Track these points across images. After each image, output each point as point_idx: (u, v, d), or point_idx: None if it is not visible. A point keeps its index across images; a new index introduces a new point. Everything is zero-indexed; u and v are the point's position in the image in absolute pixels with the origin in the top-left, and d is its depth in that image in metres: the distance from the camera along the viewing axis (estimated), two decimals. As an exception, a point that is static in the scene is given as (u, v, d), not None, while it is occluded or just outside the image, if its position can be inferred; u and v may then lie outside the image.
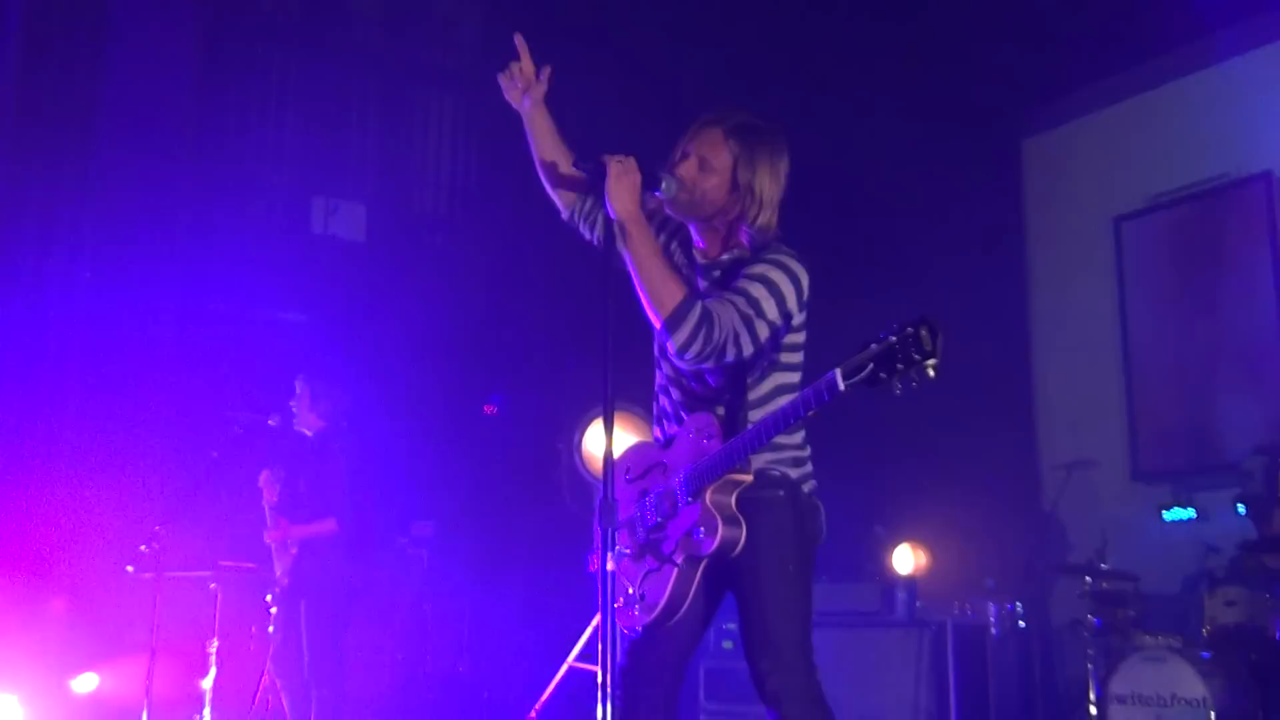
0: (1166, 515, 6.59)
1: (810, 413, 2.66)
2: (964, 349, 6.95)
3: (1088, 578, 5.87)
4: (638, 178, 2.90)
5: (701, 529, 2.87)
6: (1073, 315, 7.47)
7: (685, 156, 3.05)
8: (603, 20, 6.70)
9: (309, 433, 6.00)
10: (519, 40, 3.23)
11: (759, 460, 2.93)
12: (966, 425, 6.84)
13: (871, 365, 2.46)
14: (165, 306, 6.40)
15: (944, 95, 7.01)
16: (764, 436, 2.76)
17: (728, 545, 2.85)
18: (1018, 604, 6.30)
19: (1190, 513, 6.53)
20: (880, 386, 2.45)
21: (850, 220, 6.89)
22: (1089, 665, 5.71)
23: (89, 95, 6.36)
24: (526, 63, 3.23)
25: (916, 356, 2.40)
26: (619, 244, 2.90)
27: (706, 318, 2.84)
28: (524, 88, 3.23)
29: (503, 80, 3.25)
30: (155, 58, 6.48)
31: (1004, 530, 6.96)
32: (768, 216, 3.01)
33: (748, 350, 2.89)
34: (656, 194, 2.99)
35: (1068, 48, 6.74)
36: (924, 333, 2.39)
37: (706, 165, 3.02)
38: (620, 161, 2.90)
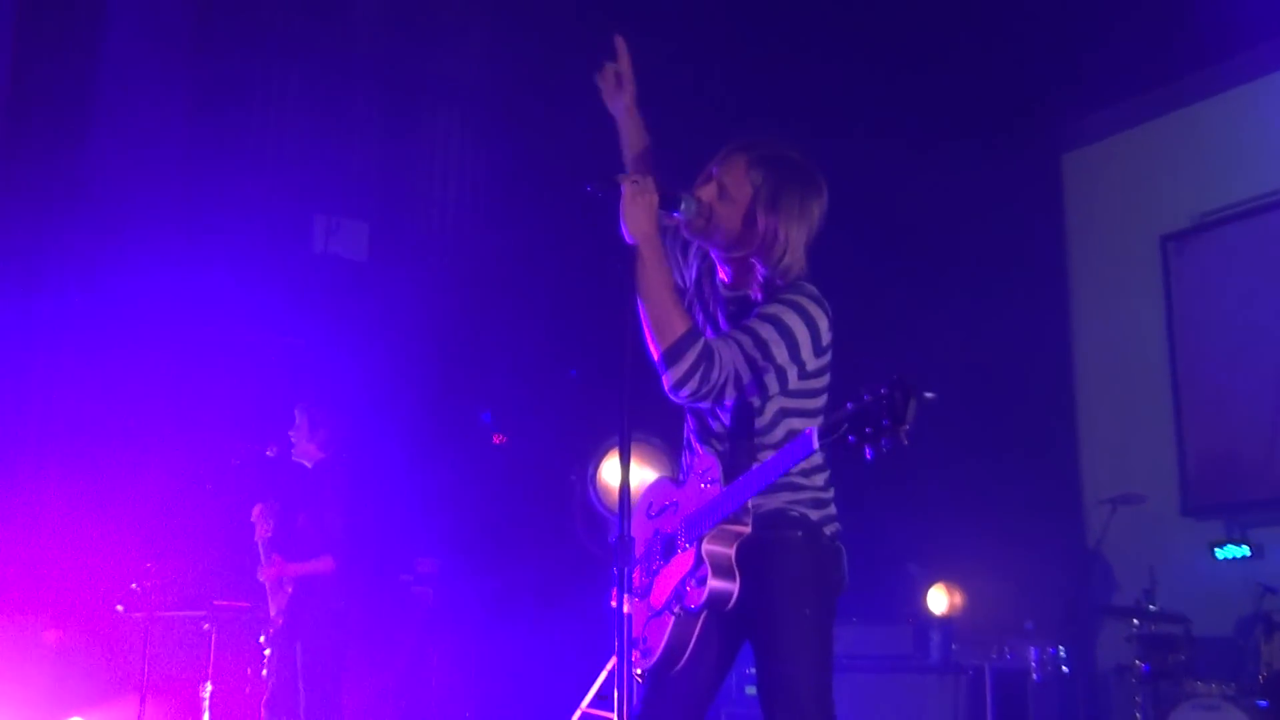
0: (1219, 553, 6.56)
1: (789, 470, 2.70)
2: (1002, 375, 7.08)
3: (1135, 620, 5.84)
4: (654, 198, 2.89)
5: (693, 579, 2.85)
6: (1118, 340, 7.47)
7: (708, 179, 3.05)
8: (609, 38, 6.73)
9: (308, 464, 6.01)
10: (619, 41, 3.27)
11: (776, 500, 2.92)
12: (1005, 457, 6.84)
13: (845, 427, 2.46)
14: (157, 330, 6.41)
15: (978, 108, 7.04)
16: (755, 486, 2.76)
17: (717, 600, 2.82)
18: (1060, 648, 6.26)
19: (1244, 550, 6.50)
20: (851, 450, 2.44)
21: (883, 242, 6.91)
22: (1136, 714, 5.68)
23: (79, 111, 6.41)
24: (624, 63, 3.27)
25: (886, 423, 2.36)
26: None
27: (706, 355, 2.84)
28: (619, 89, 3.29)
29: (599, 81, 3.31)
30: (148, 71, 6.53)
31: (1045, 569, 6.96)
32: (790, 259, 2.96)
33: (749, 391, 2.89)
34: (675, 215, 2.97)
35: (1108, 58, 6.76)
36: (897, 396, 2.35)
37: (725, 193, 3.00)
38: (636, 181, 2.89)
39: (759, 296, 3.00)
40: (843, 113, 6.69)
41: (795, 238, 2.97)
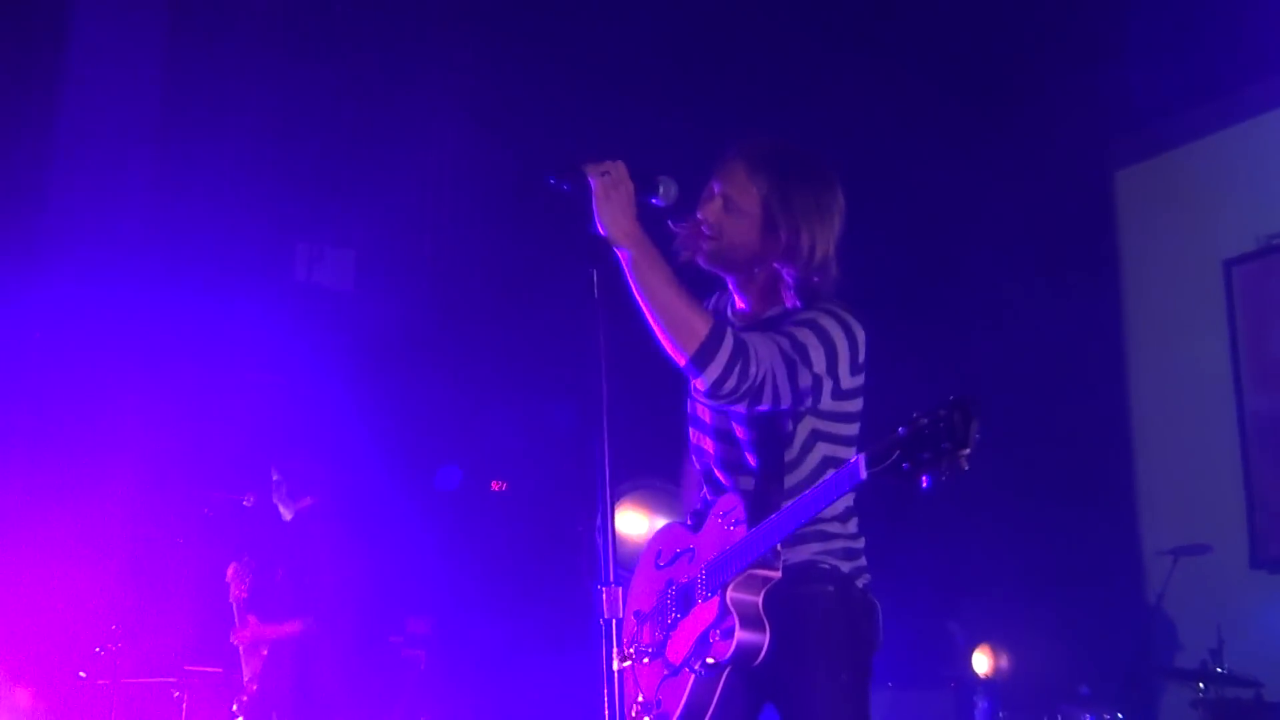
0: (1293, 610, 6.51)
1: (831, 503, 2.62)
2: (1051, 413, 7.07)
3: (1201, 684, 5.80)
4: (630, 187, 2.78)
5: (717, 631, 2.82)
6: (1178, 374, 7.44)
7: (711, 196, 3.01)
8: (620, 59, 6.87)
9: (287, 516, 6.05)
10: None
11: (806, 551, 2.91)
12: (1055, 503, 6.82)
13: (897, 453, 2.41)
14: (124, 365, 6.45)
15: (1023, 121, 7.06)
16: (788, 525, 2.71)
17: (745, 653, 2.79)
18: (1118, 715, 6.20)
19: (1321, 606, 6.45)
20: (906, 479, 2.40)
21: (919, 270, 6.95)
22: (1204, 788, 5.63)
23: (41, 130, 6.46)
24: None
25: (946, 445, 2.32)
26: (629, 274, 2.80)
27: (741, 349, 2.77)
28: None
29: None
30: (116, 86, 6.59)
31: (1101, 627, 6.93)
32: (822, 256, 2.93)
33: (785, 398, 2.83)
34: (654, 201, 2.86)
35: (1165, 67, 6.76)
36: (957, 417, 2.32)
37: (732, 206, 2.97)
38: (607, 171, 2.77)
39: (795, 304, 2.96)
40: (881, 127, 6.76)
41: (821, 236, 2.93)
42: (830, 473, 2.79)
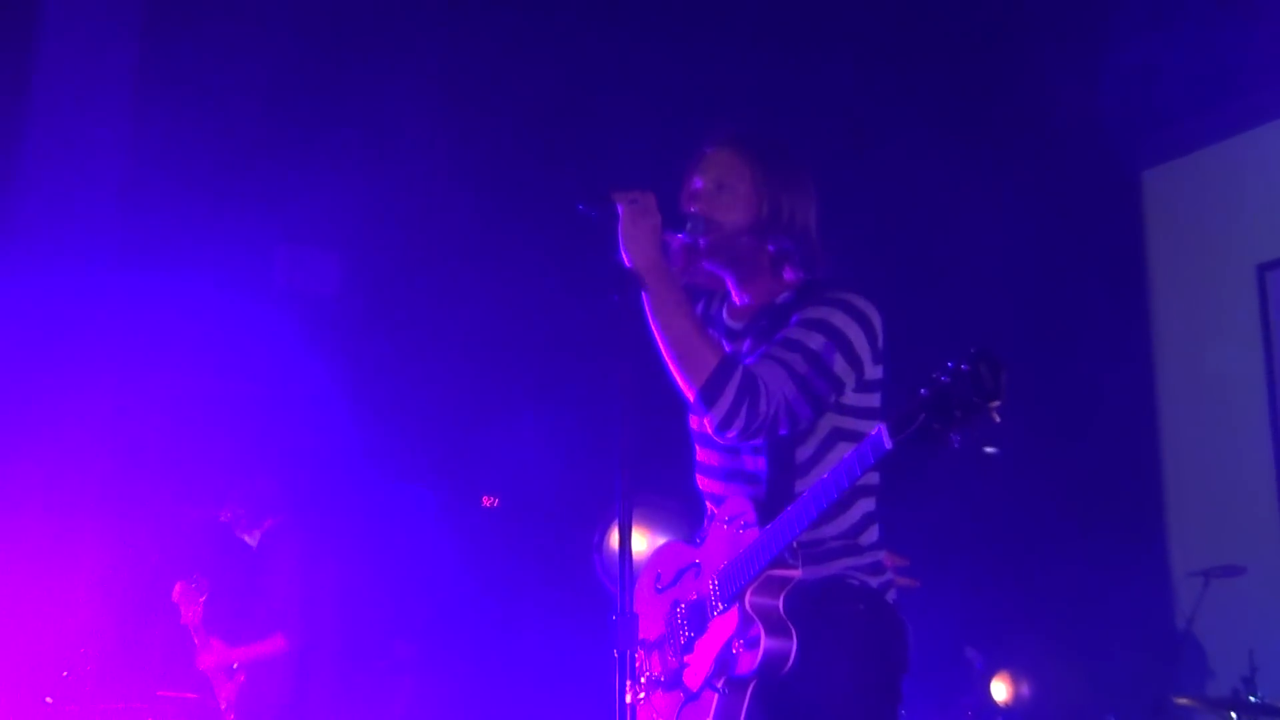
0: (1332, 634, 6.48)
1: (854, 482, 2.66)
2: (1073, 426, 7.06)
3: (1233, 713, 5.79)
4: (657, 219, 2.94)
5: (740, 641, 2.83)
6: (1209, 384, 7.44)
7: (695, 190, 3.13)
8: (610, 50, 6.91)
9: (251, 542, 6.06)
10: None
11: (835, 566, 2.94)
12: (1078, 522, 6.82)
13: (923, 415, 2.46)
14: (90, 376, 6.41)
15: (1042, 118, 7.05)
16: (809, 512, 2.73)
17: (774, 660, 2.80)
18: (1146, 746, 6.20)
19: (1362, 631, 6.42)
20: (935, 440, 2.45)
21: (943, 270, 6.94)
22: (1237, 824, 5.61)
23: (9, 128, 6.45)
24: None
25: (976, 399, 2.37)
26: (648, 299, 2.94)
27: (749, 386, 2.85)
28: None
29: None
30: (86, 70, 6.57)
31: (1127, 653, 6.93)
32: (808, 246, 3.08)
33: (803, 418, 2.91)
34: (680, 236, 3.04)
35: (1194, 61, 6.77)
36: (982, 368, 2.38)
37: (725, 188, 3.10)
38: (635, 199, 2.94)
39: (789, 297, 3.08)
40: (899, 125, 6.81)
41: (804, 212, 3.10)
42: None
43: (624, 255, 2.92)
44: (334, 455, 6.79)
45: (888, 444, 2.55)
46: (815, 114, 6.88)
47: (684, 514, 5.82)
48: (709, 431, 2.93)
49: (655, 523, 5.65)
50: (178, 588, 5.94)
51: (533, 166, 7.23)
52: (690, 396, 2.92)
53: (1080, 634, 6.67)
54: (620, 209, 2.93)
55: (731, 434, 2.87)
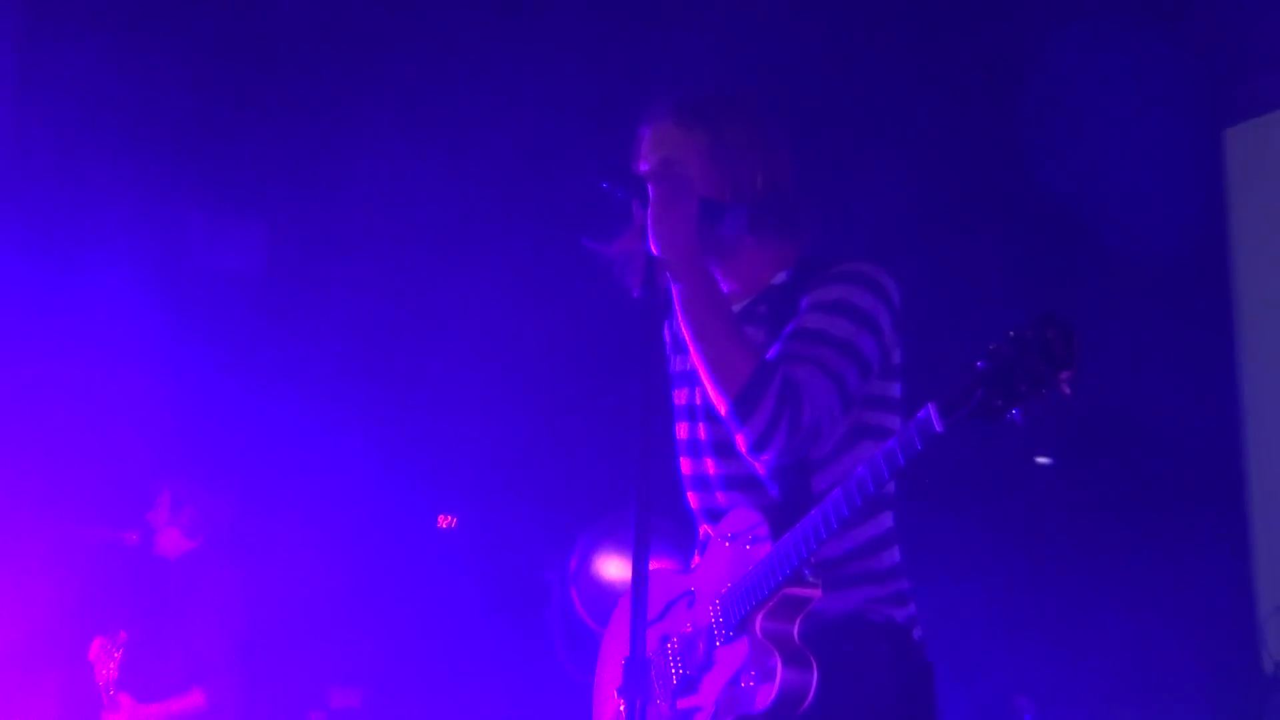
0: None
1: (896, 472, 2.66)
2: (1144, 432, 6.98)
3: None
4: (694, 203, 2.97)
5: (752, 673, 2.84)
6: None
7: (644, 175, 3.17)
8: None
9: (171, 558, 6.03)
10: None
11: (853, 598, 2.97)
12: (1147, 550, 6.79)
13: (981, 391, 2.46)
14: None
15: (1113, 69, 7.05)
16: (840, 511, 2.73)
17: (791, 696, 2.80)
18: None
19: None
20: (995, 418, 2.46)
21: (994, 253, 7.01)
22: None
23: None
24: None
25: (1044, 369, 2.38)
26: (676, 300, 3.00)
27: (790, 393, 2.87)
28: None
29: None
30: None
31: (1205, 701, 6.94)
32: (786, 208, 3.12)
33: (840, 418, 2.95)
34: (718, 229, 3.06)
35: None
36: (1050, 333, 2.38)
37: (678, 166, 3.12)
38: (668, 180, 2.98)
39: (788, 276, 3.13)
40: (967, 87, 7.06)
41: (773, 170, 3.13)
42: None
43: (652, 243, 2.94)
44: (266, 466, 6.77)
45: (938, 426, 2.53)
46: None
47: (673, 535, 5.84)
48: (741, 450, 2.96)
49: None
50: (95, 643, 5.95)
51: (490, 124, 7.23)
52: (722, 408, 2.94)
53: (1150, 678, 6.65)
54: (651, 190, 2.95)
55: (769, 454, 2.90)
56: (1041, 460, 6.81)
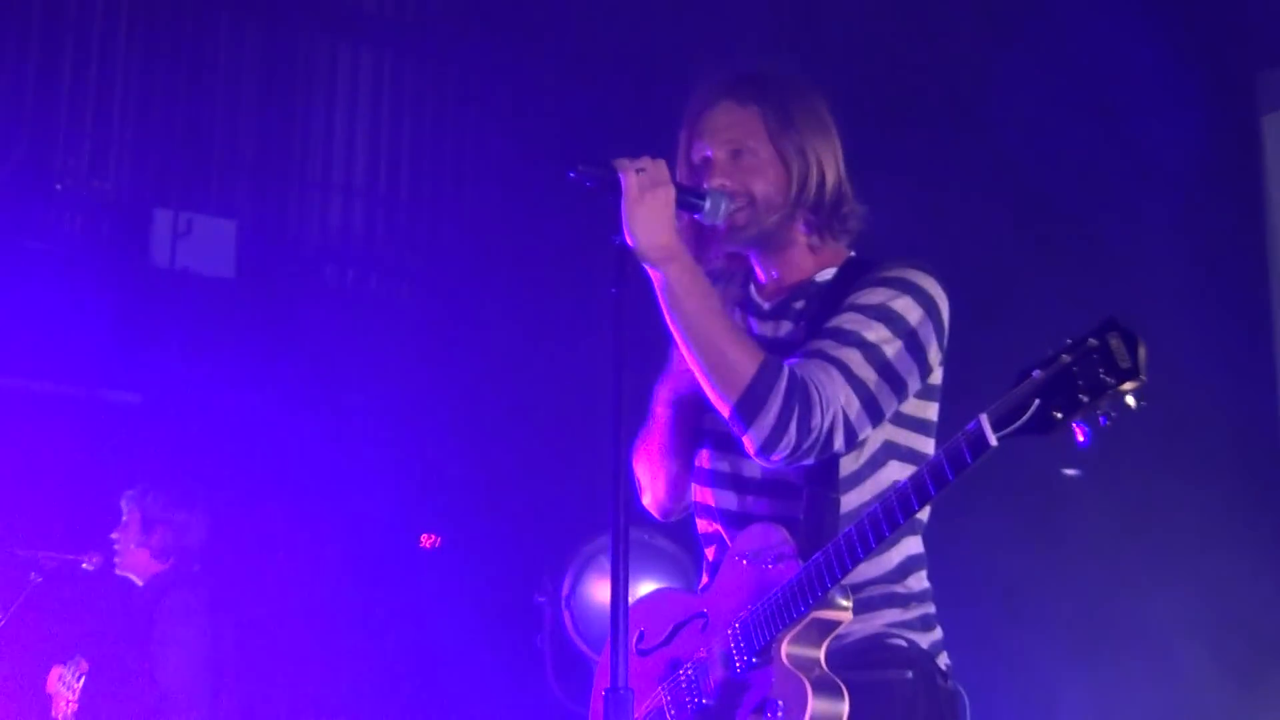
0: None
1: (943, 487, 2.62)
2: (1183, 431, 6.91)
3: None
4: (671, 192, 2.93)
5: (779, 704, 2.81)
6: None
7: (709, 161, 3.14)
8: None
9: (138, 580, 5.97)
10: None
11: (875, 621, 2.96)
12: (1200, 563, 6.64)
13: (1038, 402, 2.44)
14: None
15: (1148, 57, 7.07)
16: (872, 534, 2.71)
17: None
18: None
19: None
20: (1055, 431, 2.43)
21: (1033, 232, 7.00)
22: None
23: None
24: None
25: (1109, 379, 2.36)
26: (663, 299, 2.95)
27: (800, 393, 2.85)
28: None
29: None
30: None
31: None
32: (834, 181, 3.09)
33: (864, 428, 2.91)
34: (697, 217, 3.05)
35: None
36: (1115, 341, 2.36)
37: (749, 154, 3.11)
38: (643, 169, 2.93)
39: (833, 274, 3.10)
40: (989, 73, 6.92)
41: (832, 160, 3.10)
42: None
43: (627, 235, 2.90)
44: (242, 484, 6.81)
45: (991, 440, 2.50)
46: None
47: (674, 556, 5.78)
48: (750, 453, 2.93)
49: (639, 565, 5.59)
50: (54, 674, 5.97)
51: (471, 112, 7.21)
52: (725, 411, 2.92)
53: (1209, 698, 6.53)
54: (623, 179, 2.90)
55: (777, 457, 2.86)
56: (1069, 472, 6.73)
